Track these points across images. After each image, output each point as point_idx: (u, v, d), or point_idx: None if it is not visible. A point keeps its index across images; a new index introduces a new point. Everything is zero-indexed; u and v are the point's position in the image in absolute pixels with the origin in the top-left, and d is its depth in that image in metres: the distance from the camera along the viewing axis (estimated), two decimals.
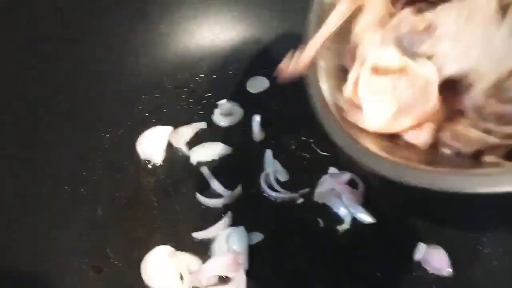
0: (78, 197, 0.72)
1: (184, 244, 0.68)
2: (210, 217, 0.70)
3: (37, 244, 0.65)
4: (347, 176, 0.71)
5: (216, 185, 0.73)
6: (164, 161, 0.77)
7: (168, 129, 0.80)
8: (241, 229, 0.68)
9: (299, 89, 0.81)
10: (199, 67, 0.88)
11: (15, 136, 0.70)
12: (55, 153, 0.73)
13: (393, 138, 0.45)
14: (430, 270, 0.64)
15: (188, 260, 0.66)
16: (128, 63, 0.84)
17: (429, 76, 0.41)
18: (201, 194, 0.72)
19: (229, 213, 0.70)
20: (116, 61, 0.83)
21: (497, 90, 0.38)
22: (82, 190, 0.73)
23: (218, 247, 0.67)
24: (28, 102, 0.73)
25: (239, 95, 0.84)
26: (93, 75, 0.80)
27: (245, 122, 0.80)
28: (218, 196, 0.72)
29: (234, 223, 0.69)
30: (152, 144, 0.78)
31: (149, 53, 0.86)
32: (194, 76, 0.87)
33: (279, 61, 0.87)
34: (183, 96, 0.85)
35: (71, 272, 0.64)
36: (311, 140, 0.77)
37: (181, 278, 0.65)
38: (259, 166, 0.75)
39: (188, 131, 0.80)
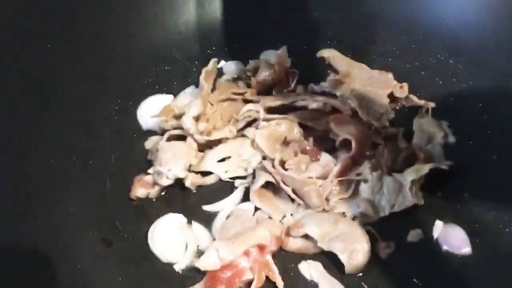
0: (86, 169, 0.70)
1: (195, 217, 0.66)
2: (222, 190, 0.68)
3: (46, 217, 0.63)
4: None
5: None
6: None
7: (169, 97, 0.77)
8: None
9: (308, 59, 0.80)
10: (211, 40, 0.85)
11: (24, 106, 0.68)
12: (63, 124, 0.71)
13: None
14: (448, 248, 0.62)
15: (200, 234, 0.65)
16: (138, 34, 0.82)
17: None
18: None
19: (241, 188, 0.68)
20: (125, 32, 0.81)
21: None
22: (91, 162, 0.71)
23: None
24: (38, 74, 0.71)
25: None
26: (102, 47, 0.78)
27: None
28: None
29: (246, 198, 0.67)
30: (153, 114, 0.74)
31: (160, 25, 0.83)
32: (206, 48, 0.84)
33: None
34: (194, 70, 0.82)
35: (81, 245, 0.63)
36: None
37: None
38: None
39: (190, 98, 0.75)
